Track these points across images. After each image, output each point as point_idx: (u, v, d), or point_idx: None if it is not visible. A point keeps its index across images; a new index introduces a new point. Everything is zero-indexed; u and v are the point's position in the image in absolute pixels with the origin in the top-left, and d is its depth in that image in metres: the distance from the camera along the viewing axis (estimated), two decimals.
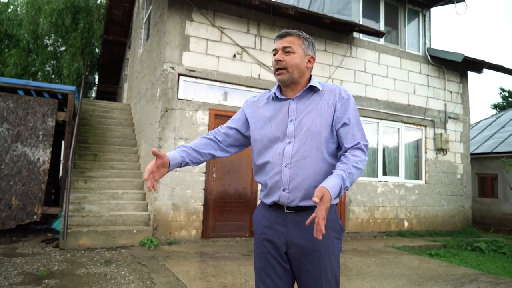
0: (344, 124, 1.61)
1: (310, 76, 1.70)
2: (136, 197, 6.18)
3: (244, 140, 1.82)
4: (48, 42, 13.75)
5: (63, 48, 13.24)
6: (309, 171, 1.57)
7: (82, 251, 4.86)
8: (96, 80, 15.18)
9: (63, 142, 7.44)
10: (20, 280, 3.58)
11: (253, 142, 1.75)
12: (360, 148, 1.58)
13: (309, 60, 1.67)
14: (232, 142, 1.80)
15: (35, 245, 5.18)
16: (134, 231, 5.37)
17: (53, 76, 13.77)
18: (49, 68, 13.87)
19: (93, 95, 16.20)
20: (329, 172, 1.58)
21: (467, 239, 7.15)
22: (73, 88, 6.61)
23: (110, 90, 14.05)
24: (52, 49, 13.76)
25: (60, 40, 13.24)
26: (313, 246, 1.55)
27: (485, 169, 10.86)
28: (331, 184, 1.41)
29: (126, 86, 11.25)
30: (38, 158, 5.99)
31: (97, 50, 14.04)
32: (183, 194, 5.78)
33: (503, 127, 12.30)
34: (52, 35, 13.20)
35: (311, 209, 1.56)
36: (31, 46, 12.69)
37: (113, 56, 12.45)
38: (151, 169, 1.51)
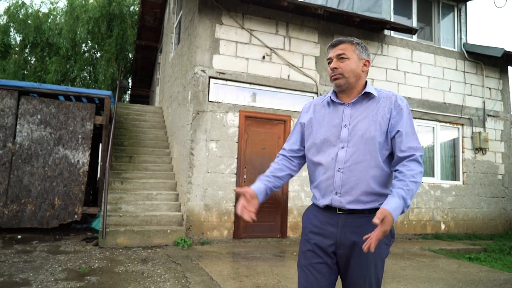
0: (399, 132, 1.61)
1: (366, 82, 1.73)
2: (169, 197, 6.35)
3: None
4: (85, 49, 14.43)
5: (99, 54, 13.84)
6: (361, 176, 1.60)
7: (120, 250, 5.06)
8: (130, 84, 15.74)
9: (100, 145, 7.76)
10: (64, 276, 3.78)
11: (307, 144, 1.80)
12: (415, 160, 1.58)
13: (364, 64, 1.71)
14: (303, 158, 1.88)
15: (77, 243, 5.45)
16: (168, 231, 5.53)
17: (89, 81, 14.42)
18: (86, 74, 14.55)
19: (127, 99, 16.79)
20: (381, 178, 1.62)
21: (510, 243, 6.80)
22: (109, 93, 6.89)
23: (143, 94, 14.52)
24: (88, 55, 14.43)
25: (96, 46, 13.86)
26: (362, 249, 1.55)
27: None
28: (393, 205, 1.45)
29: (158, 89, 11.59)
30: (78, 161, 6.30)
31: (130, 56, 14.56)
32: (214, 195, 5.88)
33: None
34: (89, 42, 13.83)
35: (363, 211, 1.60)
36: (70, 53, 13.36)
37: (145, 61, 12.87)
38: (242, 205, 1.65)
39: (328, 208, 1.66)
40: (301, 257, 1.73)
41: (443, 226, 7.50)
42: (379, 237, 1.39)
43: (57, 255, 4.63)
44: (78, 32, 12.82)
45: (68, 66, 13.70)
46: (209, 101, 6.01)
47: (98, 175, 7.63)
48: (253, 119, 6.23)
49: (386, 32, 7.39)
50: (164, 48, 10.41)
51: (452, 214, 7.60)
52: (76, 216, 6.14)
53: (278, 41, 6.53)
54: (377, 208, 1.57)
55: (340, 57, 1.67)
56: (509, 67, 8.57)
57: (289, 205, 6.32)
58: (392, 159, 1.66)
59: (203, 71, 5.99)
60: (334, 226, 1.63)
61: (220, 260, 4.71)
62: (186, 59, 6.73)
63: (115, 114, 7.09)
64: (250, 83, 6.29)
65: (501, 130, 8.34)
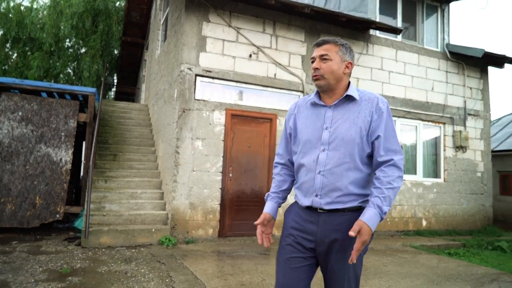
0: (379, 137, 1.64)
1: (349, 83, 1.75)
2: (154, 196, 6.31)
3: None
4: (68, 44, 14.14)
5: (83, 50, 13.58)
6: (341, 178, 1.63)
7: (103, 249, 5.01)
8: (115, 81, 15.51)
9: (84, 143, 7.65)
10: (45, 277, 3.73)
11: (293, 145, 1.84)
12: (394, 165, 1.62)
13: (346, 66, 1.72)
14: None
15: (58, 243, 5.37)
16: (153, 230, 5.50)
17: (73, 78, 14.15)
18: (70, 70, 14.26)
19: (112, 96, 16.55)
20: (361, 180, 1.66)
21: (487, 238, 7.01)
22: (93, 90, 6.79)
23: (128, 91, 14.34)
24: (72, 51, 14.14)
25: (80, 42, 13.59)
26: (341, 246, 1.63)
27: (507, 166, 10.58)
28: (368, 216, 1.52)
29: (143, 87, 11.47)
30: (61, 159, 6.19)
31: (115, 52, 14.34)
32: (200, 193, 5.87)
33: None
34: (73, 37, 13.56)
35: (343, 210, 1.65)
36: (53, 49, 13.07)
37: (131, 58, 12.71)
38: (261, 232, 1.79)
39: (309, 207, 1.70)
40: (280, 251, 1.77)
41: (424, 223, 7.67)
42: (359, 248, 1.49)
43: (38, 256, 4.55)
44: (62, 27, 12.56)
45: (51, 62, 13.40)
46: (195, 99, 5.98)
47: (82, 174, 7.52)
48: (239, 118, 6.23)
49: (372, 31, 7.49)
50: (150, 45, 10.30)
51: (433, 211, 7.78)
52: (58, 216, 6.04)
53: (265, 40, 6.54)
54: (356, 207, 1.64)
55: (323, 58, 1.68)
56: (489, 67, 8.79)
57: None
58: (372, 160, 1.69)
59: (190, 69, 5.96)
60: (315, 224, 1.67)
61: (205, 258, 4.72)
62: (172, 57, 6.68)
63: (99, 111, 6.99)
64: (237, 82, 6.29)
65: (481, 128, 8.56)
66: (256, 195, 6.27)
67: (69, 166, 6.22)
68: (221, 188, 6.02)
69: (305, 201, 1.70)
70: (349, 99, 1.70)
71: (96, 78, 13.05)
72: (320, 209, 1.66)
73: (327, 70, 1.67)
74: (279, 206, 1.85)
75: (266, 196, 1.89)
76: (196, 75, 6.02)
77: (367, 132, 1.65)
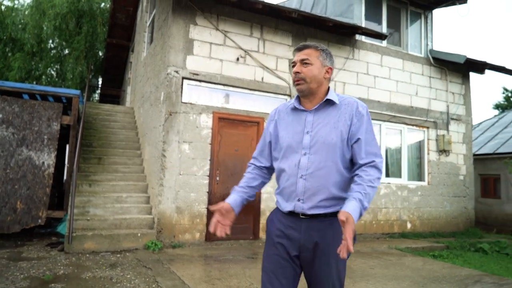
0: (359, 140, 1.66)
1: (329, 87, 1.77)
2: (140, 200, 6.22)
3: None
4: (51, 45, 13.84)
5: (67, 51, 13.31)
6: (323, 182, 1.64)
7: (87, 255, 4.89)
8: (99, 83, 15.26)
9: (67, 146, 7.48)
10: (26, 285, 3.62)
11: (273, 150, 1.84)
12: (374, 166, 1.64)
13: (327, 71, 1.74)
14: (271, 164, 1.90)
15: (40, 249, 5.22)
16: (139, 235, 5.41)
17: (57, 79, 13.86)
18: (53, 72, 13.96)
19: (97, 98, 16.27)
20: (342, 183, 1.67)
21: (470, 240, 7.16)
22: (77, 92, 6.65)
23: (113, 93, 14.13)
24: (55, 52, 13.85)
25: (64, 43, 13.33)
26: (324, 250, 1.63)
27: (488, 169, 10.85)
28: (351, 208, 1.50)
29: (129, 89, 11.32)
30: (43, 162, 6.04)
31: (100, 54, 14.12)
32: (187, 197, 5.81)
33: (506, 127, 12.28)
34: (56, 38, 13.28)
35: (325, 215, 1.65)
36: (35, 50, 12.78)
37: (116, 60, 12.53)
38: (216, 221, 1.68)
39: (292, 213, 1.69)
40: (266, 261, 1.75)
41: (409, 225, 7.79)
42: (351, 235, 1.42)
43: (19, 262, 4.41)
44: (44, 27, 12.29)
45: (33, 63, 13.10)
46: (182, 102, 5.93)
47: (65, 177, 7.35)
48: (226, 121, 6.21)
49: (358, 37, 7.59)
50: (136, 47, 10.18)
51: (418, 214, 7.91)
52: (40, 221, 5.88)
53: (252, 43, 6.55)
54: (337, 212, 1.63)
55: (304, 62, 1.70)
56: (470, 73, 9.03)
57: (261, 206, 6.35)
58: (352, 164, 1.71)
59: (177, 71, 5.91)
60: (298, 230, 1.67)
61: (192, 263, 4.66)
62: (159, 59, 6.62)
63: (83, 114, 6.86)
64: (224, 85, 6.27)
65: (463, 133, 8.77)
66: None
67: (51, 169, 6.07)
68: (208, 192, 5.98)
69: (287, 206, 1.69)
70: (329, 103, 1.72)
71: (80, 80, 12.82)
72: (303, 214, 1.66)
73: (308, 74, 1.69)
74: (244, 202, 1.77)
75: (232, 190, 1.83)
76: (183, 78, 5.98)
77: (348, 136, 1.67)
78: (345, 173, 1.68)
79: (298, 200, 1.65)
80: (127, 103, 11.49)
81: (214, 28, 6.24)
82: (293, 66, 1.74)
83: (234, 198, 1.75)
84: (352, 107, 1.70)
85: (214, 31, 6.25)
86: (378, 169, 1.65)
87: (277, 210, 1.79)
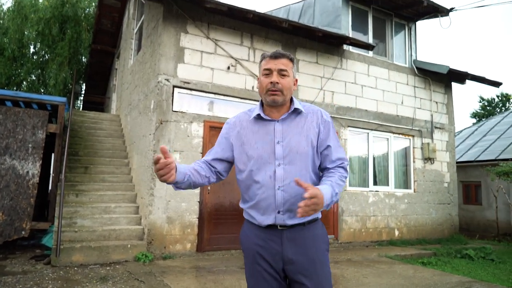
0: (328, 147, 1.71)
1: (292, 97, 1.76)
2: (129, 210, 6.08)
3: (230, 164, 1.83)
4: (33, 51, 13.49)
5: (50, 57, 12.97)
6: (300, 191, 1.61)
7: (75, 268, 4.73)
8: (83, 90, 14.94)
9: (52, 155, 7.27)
10: None
11: (237, 162, 1.76)
12: (343, 167, 1.71)
13: (294, 83, 1.74)
14: (223, 169, 1.81)
15: (25, 262, 5.02)
16: (128, 246, 5.28)
17: (38, 85, 13.48)
18: (34, 78, 13.57)
19: (80, 105, 15.91)
20: None
21: (455, 247, 7.31)
22: (64, 99, 6.49)
23: (97, 100, 13.85)
24: (37, 58, 13.50)
25: (46, 49, 13.00)
26: (309, 260, 1.62)
27: (469, 176, 11.17)
28: (323, 189, 1.51)
29: (114, 96, 11.12)
30: (27, 172, 5.83)
31: (84, 60, 13.84)
32: (178, 207, 5.72)
33: (484, 135, 12.70)
34: (38, 44, 12.95)
35: (304, 224, 1.65)
36: (16, 55, 12.41)
37: (100, 66, 12.31)
38: (160, 166, 1.45)
39: (270, 226, 1.65)
40: (250, 279, 1.70)
41: (397, 233, 7.90)
42: (307, 203, 1.41)
43: (3, 277, 4.22)
44: (26, 32, 11.97)
45: (14, 69, 12.71)
46: (173, 110, 5.87)
47: (50, 187, 7.12)
48: (217, 130, 6.17)
49: (345, 47, 7.72)
50: (122, 53, 10.04)
51: (405, 221, 8.04)
52: (23, 232, 5.65)
53: (243, 52, 6.56)
54: (314, 219, 1.67)
55: (282, 73, 1.65)
56: (452, 83, 9.31)
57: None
58: (320, 171, 1.76)
59: (167, 80, 5.85)
60: (278, 243, 1.64)
61: (185, 275, 4.57)
62: (148, 67, 6.54)
63: (69, 122, 6.69)
64: (215, 93, 6.25)
65: (447, 141, 9.01)
66: (235, 208, 6.19)
67: (36, 179, 5.87)
68: (199, 202, 5.91)
69: (265, 220, 1.64)
70: (296, 112, 1.72)
71: (64, 87, 12.51)
72: (282, 226, 1.63)
73: (286, 86, 1.65)
74: (186, 178, 1.59)
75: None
76: (174, 86, 5.92)
77: (317, 143, 1.69)
78: (316, 180, 1.71)
79: (278, 212, 1.61)
80: (112, 110, 11.28)
81: (205, 36, 6.23)
82: (266, 75, 1.65)
83: (180, 167, 1.57)
84: (318, 115, 1.72)
85: (205, 40, 6.23)
86: (346, 170, 1.71)
87: (250, 225, 1.72)
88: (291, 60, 1.70)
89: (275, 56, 1.66)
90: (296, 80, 1.76)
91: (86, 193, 6.14)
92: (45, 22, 11.90)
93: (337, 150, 1.72)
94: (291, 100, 1.73)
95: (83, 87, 14.88)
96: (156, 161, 1.45)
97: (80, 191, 6.18)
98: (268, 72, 1.66)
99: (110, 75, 12.59)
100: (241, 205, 1.78)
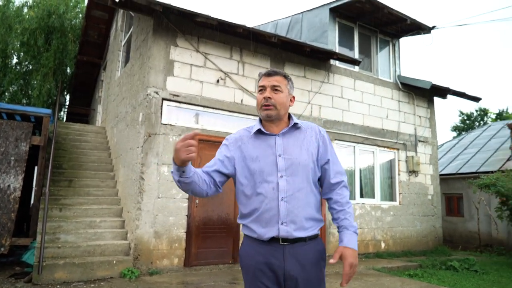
0: (328, 161, 1.79)
1: (289, 113, 1.84)
2: (114, 225, 5.95)
3: (227, 179, 1.83)
4: (16, 61, 13.22)
5: (34, 68, 12.74)
6: (303, 203, 1.68)
7: (58, 286, 4.57)
8: (67, 101, 14.69)
9: (35, 168, 7.08)
10: None
11: (239, 176, 1.76)
12: (344, 186, 1.79)
13: (291, 100, 1.82)
14: (221, 182, 1.80)
15: (3, 280, 4.82)
16: (114, 262, 5.14)
17: (21, 96, 13.18)
18: (16, 88, 13.27)
19: (63, 116, 15.61)
20: (316, 203, 1.74)
21: (440, 258, 7.42)
22: (48, 111, 6.37)
23: (82, 112, 13.63)
24: (20, 68, 13.23)
25: (31, 60, 12.76)
26: (308, 277, 1.65)
27: (451, 189, 11.41)
28: (346, 240, 1.66)
29: (100, 108, 10.97)
30: (9, 185, 5.66)
31: (69, 71, 13.65)
32: (165, 221, 5.64)
33: (465, 148, 13.05)
34: (22, 54, 12.72)
35: (305, 239, 1.67)
36: None
37: (86, 77, 12.18)
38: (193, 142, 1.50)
39: (272, 240, 1.65)
40: None
41: (383, 245, 7.97)
42: (347, 272, 1.58)
43: None
44: (10, 43, 11.75)
45: None
46: (161, 123, 5.83)
47: (32, 201, 6.90)
48: (206, 143, 6.15)
49: (332, 62, 7.89)
50: (109, 65, 9.96)
51: (391, 233, 8.13)
52: (2, 249, 5.44)
53: (232, 66, 6.62)
54: (315, 235, 1.71)
55: (275, 89, 1.74)
56: (435, 97, 9.60)
57: (241, 229, 6.26)
58: (319, 184, 1.81)
59: (156, 92, 5.83)
60: (279, 259, 1.64)
61: None
62: (137, 79, 6.51)
63: (54, 134, 6.55)
64: (204, 106, 6.25)
65: (430, 154, 9.23)
66: (223, 221, 6.15)
67: (18, 193, 5.69)
68: (187, 215, 5.84)
69: (268, 233, 1.64)
70: (295, 127, 1.80)
71: (48, 98, 12.27)
72: (284, 240, 1.63)
73: (279, 101, 1.73)
74: (191, 171, 1.59)
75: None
76: (163, 99, 5.90)
77: (317, 157, 1.77)
78: (317, 193, 1.76)
79: (282, 223, 1.62)
80: (97, 122, 11.12)
81: (194, 50, 6.26)
82: (261, 91, 1.76)
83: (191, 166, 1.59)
84: (315, 130, 1.82)
85: (195, 53, 6.26)
86: (347, 188, 1.80)
87: (250, 241, 1.72)
88: (285, 77, 1.79)
89: (268, 74, 1.77)
90: (293, 97, 1.83)
91: (70, 207, 5.99)
92: (31, 33, 11.72)
93: (335, 164, 1.80)
94: (290, 116, 1.82)
95: (67, 98, 14.64)
96: (193, 136, 1.48)
97: (64, 205, 6.02)
98: (262, 89, 1.77)
99: (96, 87, 12.45)
100: (240, 221, 1.78)
